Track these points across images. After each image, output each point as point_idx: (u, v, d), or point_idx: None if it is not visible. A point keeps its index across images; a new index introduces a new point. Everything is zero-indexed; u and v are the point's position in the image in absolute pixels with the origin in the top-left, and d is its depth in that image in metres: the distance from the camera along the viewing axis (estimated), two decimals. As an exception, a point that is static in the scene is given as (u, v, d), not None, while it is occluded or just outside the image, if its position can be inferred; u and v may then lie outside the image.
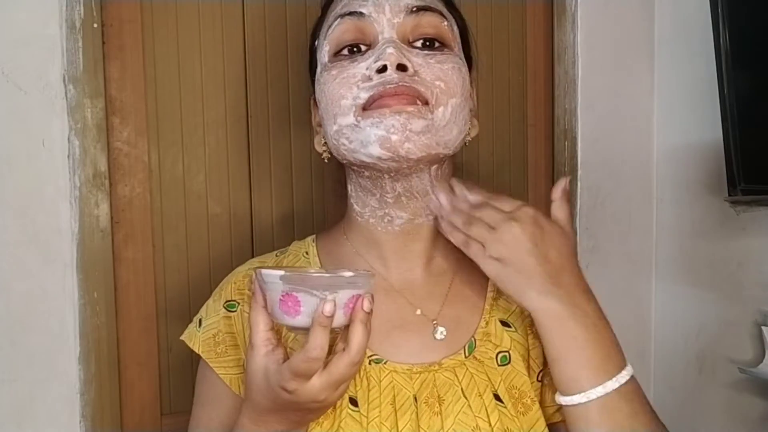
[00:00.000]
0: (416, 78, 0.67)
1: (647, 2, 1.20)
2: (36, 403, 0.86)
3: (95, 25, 0.88)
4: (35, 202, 0.86)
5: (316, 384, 0.60)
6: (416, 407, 0.67)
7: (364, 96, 0.67)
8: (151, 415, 0.94)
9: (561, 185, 0.71)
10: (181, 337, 0.78)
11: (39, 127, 0.86)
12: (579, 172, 1.15)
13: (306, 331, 0.60)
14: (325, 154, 0.76)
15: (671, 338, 1.19)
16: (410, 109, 0.66)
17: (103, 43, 0.90)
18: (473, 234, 0.67)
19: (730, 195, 1.01)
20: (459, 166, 1.10)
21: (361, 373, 0.69)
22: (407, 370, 0.69)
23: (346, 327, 0.60)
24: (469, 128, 0.75)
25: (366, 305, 0.60)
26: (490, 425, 0.67)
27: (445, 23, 0.71)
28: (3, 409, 0.85)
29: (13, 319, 0.85)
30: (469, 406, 0.67)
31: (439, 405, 0.67)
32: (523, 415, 0.69)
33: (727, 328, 1.08)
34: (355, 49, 0.70)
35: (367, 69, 0.68)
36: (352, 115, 0.68)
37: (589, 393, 0.63)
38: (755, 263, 1.04)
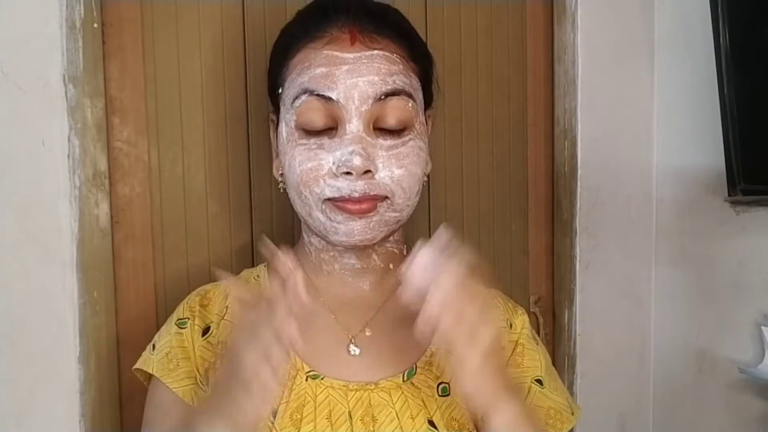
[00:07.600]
0: (376, 181, 0.72)
1: (647, 2, 1.20)
2: (36, 403, 0.86)
3: (95, 25, 0.88)
4: (35, 202, 0.86)
5: None
6: (351, 424, 0.70)
7: (329, 194, 0.72)
8: (151, 415, 0.94)
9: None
10: (135, 367, 0.79)
11: (39, 126, 0.86)
12: (579, 172, 1.15)
13: None
14: (281, 185, 0.79)
15: (671, 338, 1.19)
16: (371, 213, 0.73)
17: (103, 42, 0.90)
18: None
19: (730, 195, 1.01)
20: (459, 167, 1.10)
21: (293, 386, 0.71)
22: (343, 386, 0.72)
23: None
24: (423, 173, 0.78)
25: None
26: None
27: (410, 105, 0.74)
28: (3, 409, 0.85)
29: (13, 319, 0.85)
30: (401, 427, 0.70)
31: (373, 423, 0.70)
32: None
33: (727, 328, 1.08)
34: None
35: (333, 163, 0.71)
36: (319, 203, 0.73)
37: None
38: (755, 263, 1.04)
